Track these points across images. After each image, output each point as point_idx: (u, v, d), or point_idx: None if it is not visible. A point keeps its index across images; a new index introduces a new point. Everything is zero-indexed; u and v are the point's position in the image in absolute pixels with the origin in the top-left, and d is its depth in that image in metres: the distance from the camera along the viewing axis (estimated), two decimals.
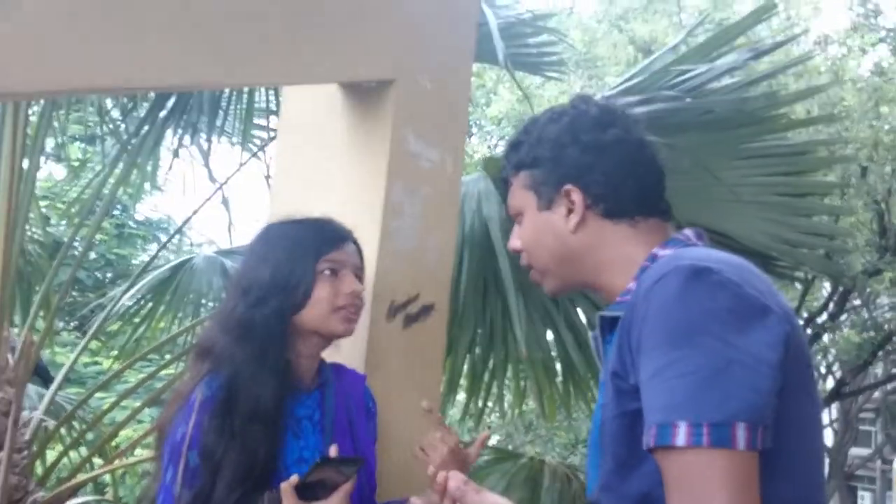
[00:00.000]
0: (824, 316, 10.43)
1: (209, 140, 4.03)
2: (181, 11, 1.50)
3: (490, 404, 3.66)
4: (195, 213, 3.93)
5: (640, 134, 1.30)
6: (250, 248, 1.66)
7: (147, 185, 5.17)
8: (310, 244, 1.58)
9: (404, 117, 1.92)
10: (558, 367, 3.28)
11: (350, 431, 1.61)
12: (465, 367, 3.25)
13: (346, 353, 1.75)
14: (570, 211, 1.26)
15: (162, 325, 4.57)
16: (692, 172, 2.55)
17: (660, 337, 1.03)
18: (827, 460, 15.32)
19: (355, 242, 1.65)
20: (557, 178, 1.27)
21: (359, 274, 1.63)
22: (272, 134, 4.19)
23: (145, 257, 10.03)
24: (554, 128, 1.29)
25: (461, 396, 3.93)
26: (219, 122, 4.01)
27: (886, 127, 7.73)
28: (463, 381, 3.43)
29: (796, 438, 1.05)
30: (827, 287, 10.18)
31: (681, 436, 0.97)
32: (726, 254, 1.15)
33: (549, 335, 3.17)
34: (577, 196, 1.25)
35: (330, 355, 1.69)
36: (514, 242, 1.36)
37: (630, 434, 1.07)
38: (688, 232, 1.26)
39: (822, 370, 14.23)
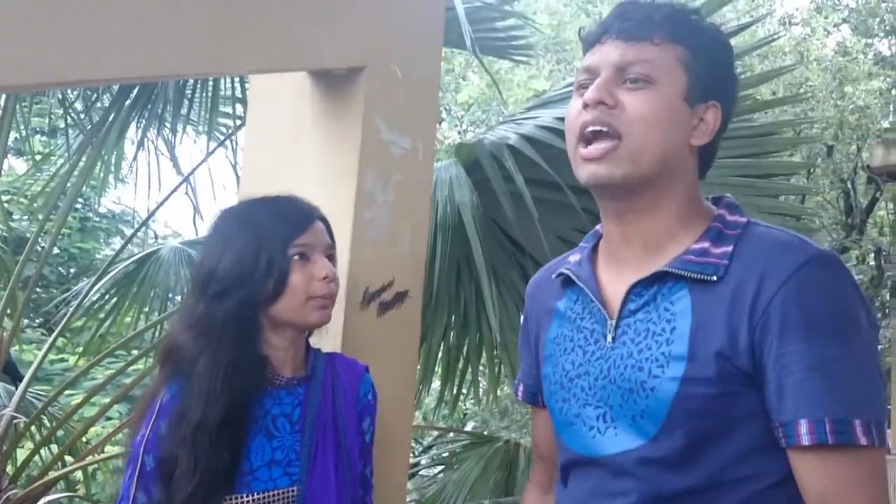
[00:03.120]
0: None
1: (174, 130, 3.98)
2: (148, 2, 1.47)
3: (465, 391, 3.67)
4: (160, 205, 3.89)
5: None
6: (208, 235, 1.52)
7: (111, 179, 5.10)
8: (276, 228, 1.44)
9: (375, 105, 1.90)
10: None
11: (335, 429, 1.48)
12: (440, 353, 3.24)
13: (321, 341, 1.73)
14: (698, 125, 1.12)
15: (128, 319, 4.52)
16: None
17: (824, 326, 0.99)
18: None
19: (322, 219, 1.53)
20: (716, 89, 1.13)
21: (330, 253, 1.52)
22: (238, 122, 4.14)
23: (109, 251, 9.90)
24: (730, 52, 1.17)
25: (436, 384, 3.93)
26: (184, 111, 3.96)
27: (851, 106, 7.82)
28: (437, 369, 3.43)
29: None
30: None
31: (861, 435, 0.96)
32: None
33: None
34: (716, 117, 1.13)
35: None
36: (604, 95, 1.08)
37: (725, 414, 1.03)
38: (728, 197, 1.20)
39: None
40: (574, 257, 1.28)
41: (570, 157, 1.15)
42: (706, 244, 1.10)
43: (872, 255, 9.32)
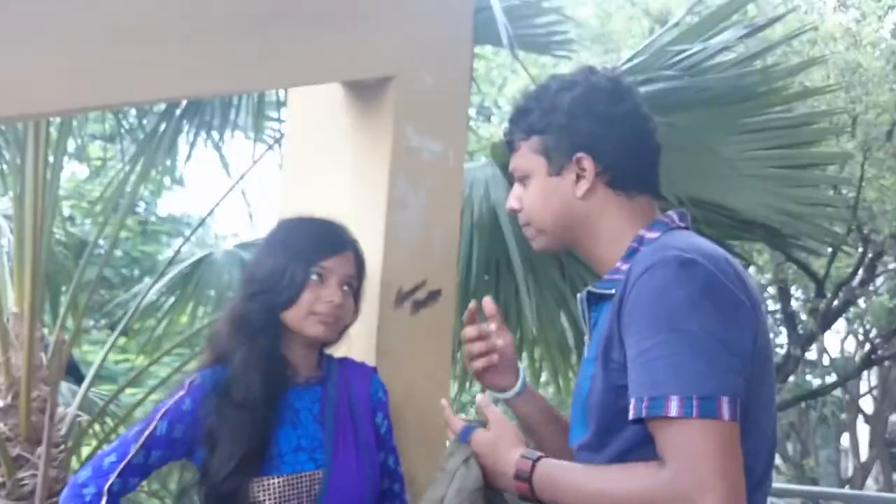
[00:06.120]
0: (857, 279, 10.31)
1: (222, 136, 4.11)
2: (185, 26, 1.57)
3: None
4: (212, 210, 4.02)
5: (646, 109, 1.35)
6: (263, 240, 1.73)
7: (167, 181, 5.28)
8: (307, 248, 1.61)
9: (405, 112, 1.97)
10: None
11: (353, 425, 1.66)
12: None
13: (356, 341, 1.81)
14: (579, 178, 1.32)
15: (185, 318, 4.68)
16: (693, 149, 2.59)
17: (647, 321, 1.14)
18: (867, 428, 15.19)
19: (356, 251, 1.68)
20: (570, 146, 1.31)
21: (350, 283, 1.65)
22: (285, 125, 4.26)
23: (170, 253, 10.15)
24: (567, 96, 1.33)
25: (478, 385, 3.96)
26: (231, 117, 4.09)
27: None
28: None
29: (755, 414, 1.17)
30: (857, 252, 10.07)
31: (673, 408, 1.09)
32: (706, 243, 1.24)
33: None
34: (588, 164, 1.31)
35: (339, 345, 1.74)
36: (514, 203, 1.41)
37: (615, 406, 1.19)
38: (672, 214, 1.33)
39: (860, 337, 14.07)
40: None
41: None
42: (620, 263, 1.29)
43: None
